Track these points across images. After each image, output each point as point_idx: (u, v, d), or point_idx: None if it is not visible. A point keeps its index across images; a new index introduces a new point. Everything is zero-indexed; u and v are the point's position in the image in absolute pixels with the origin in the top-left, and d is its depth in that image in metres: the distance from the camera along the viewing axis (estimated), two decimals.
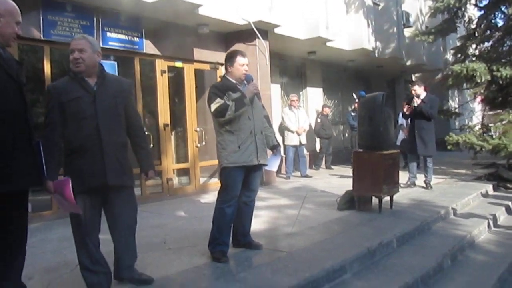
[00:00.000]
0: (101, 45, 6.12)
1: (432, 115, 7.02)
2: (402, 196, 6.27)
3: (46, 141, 2.60)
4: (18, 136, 2.25)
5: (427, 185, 7.18)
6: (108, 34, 6.58)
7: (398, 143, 10.34)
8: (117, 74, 6.31)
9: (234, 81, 3.79)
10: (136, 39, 6.97)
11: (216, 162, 3.89)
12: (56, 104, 2.76)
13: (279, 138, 9.42)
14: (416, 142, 7.03)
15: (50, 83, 2.92)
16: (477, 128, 10.16)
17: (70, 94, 2.77)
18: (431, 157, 7.18)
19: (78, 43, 2.83)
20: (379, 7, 12.55)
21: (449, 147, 9.23)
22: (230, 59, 3.81)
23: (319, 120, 10.67)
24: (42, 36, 5.80)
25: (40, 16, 5.77)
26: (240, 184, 3.72)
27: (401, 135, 10.50)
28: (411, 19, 13.87)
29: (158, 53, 7.27)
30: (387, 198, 5.57)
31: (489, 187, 7.56)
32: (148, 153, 3.19)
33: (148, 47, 7.12)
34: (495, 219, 5.82)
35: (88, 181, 2.76)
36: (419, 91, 7.11)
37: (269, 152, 3.97)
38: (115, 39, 6.67)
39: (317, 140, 11.00)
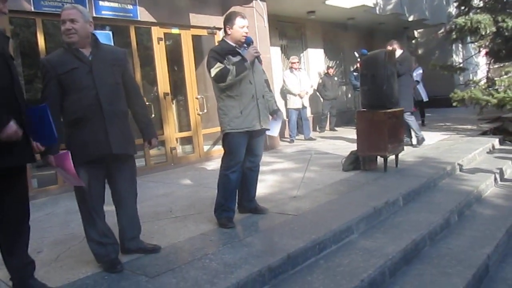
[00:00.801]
0: (94, 15, 6.08)
1: (398, 70, 6.75)
2: (408, 154, 6.24)
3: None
4: (5, 111, 2.18)
5: (419, 141, 7.14)
6: (101, 3, 6.40)
7: None
8: (112, 44, 6.18)
9: (234, 44, 3.67)
10: (130, 7, 6.78)
11: (218, 129, 3.83)
12: (52, 76, 2.71)
13: (281, 102, 9.35)
14: None
15: (44, 56, 2.83)
16: (482, 82, 9.98)
17: (66, 66, 2.72)
18: (407, 113, 6.90)
19: (69, 13, 2.75)
20: None
21: (454, 104, 9.10)
22: (229, 21, 3.68)
23: (320, 81, 10.60)
24: (32, 8, 5.65)
25: None
26: (243, 150, 3.68)
27: None
28: None
29: (153, 20, 7.09)
30: (392, 156, 5.53)
31: (495, 141, 7.49)
32: (149, 120, 3.16)
33: (143, 14, 6.94)
34: (501, 173, 5.78)
35: (93, 151, 2.75)
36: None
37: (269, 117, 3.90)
38: (108, 7, 6.49)
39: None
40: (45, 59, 2.83)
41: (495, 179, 5.53)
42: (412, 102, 7.11)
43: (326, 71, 10.89)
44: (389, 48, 7.13)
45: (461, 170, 5.80)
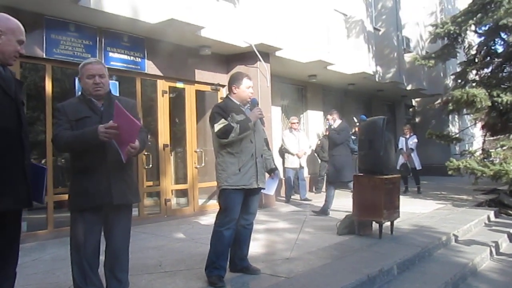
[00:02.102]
0: None
1: (335, 140, 7.17)
2: (403, 221, 6.19)
3: (63, 135, 2.73)
4: (10, 155, 2.20)
5: (322, 211, 7.18)
6: (111, 54, 6.62)
7: (398, 167, 10.36)
8: (118, 94, 6.32)
9: (238, 103, 3.77)
10: (138, 60, 7.01)
11: (215, 183, 3.84)
12: (65, 120, 2.81)
13: (279, 160, 9.41)
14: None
15: (60, 103, 2.94)
16: (478, 153, 10.11)
17: (78, 114, 2.83)
18: (350, 182, 6.81)
19: (99, 68, 2.89)
20: (380, 32, 12.69)
21: (450, 172, 9.17)
22: (236, 80, 3.80)
23: (319, 142, 10.74)
24: (44, 54, 5.84)
25: (43, 34, 5.82)
26: (239, 207, 3.66)
27: (401, 160, 10.53)
28: (411, 44, 14.04)
29: (159, 73, 7.31)
30: (388, 223, 5.50)
31: (490, 214, 7.47)
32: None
33: (150, 67, 7.16)
34: (497, 246, 5.72)
35: (94, 199, 2.77)
36: (331, 120, 7.39)
37: (266, 175, 3.92)
38: (117, 59, 6.71)
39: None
40: (60, 105, 2.93)
41: (491, 252, 5.46)
42: (351, 171, 7.00)
43: (324, 133, 11.05)
44: (329, 117, 7.37)
45: (456, 241, 5.74)
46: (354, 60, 10.79)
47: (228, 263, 3.76)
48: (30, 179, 2.33)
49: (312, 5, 9.43)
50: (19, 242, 2.38)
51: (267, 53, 8.26)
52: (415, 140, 10.58)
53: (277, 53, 8.47)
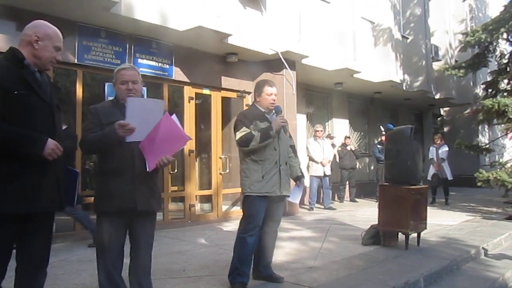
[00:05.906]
0: None
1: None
2: (430, 233, 6.06)
3: (90, 137, 2.78)
4: (45, 158, 2.26)
5: None
6: (140, 60, 6.75)
7: (429, 178, 10.17)
8: None
9: (263, 110, 3.79)
10: (166, 66, 7.12)
11: (239, 189, 3.85)
12: (96, 123, 2.84)
13: (303, 169, 9.35)
14: None
15: (92, 105, 2.99)
16: (508, 165, 9.81)
17: (110, 117, 2.84)
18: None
19: (132, 74, 2.91)
20: (408, 40, 12.54)
21: (479, 184, 8.93)
22: (258, 88, 3.83)
23: (340, 149, 10.61)
24: (76, 60, 6.00)
25: (76, 41, 5.98)
26: (262, 214, 3.66)
27: (432, 170, 10.32)
28: (440, 53, 13.81)
29: (186, 80, 7.40)
30: (414, 234, 5.38)
31: None
32: None
33: (177, 74, 7.26)
34: None
35: (118, 203, 2.79)
36: None
37: (292, 182, 3.91)
38: (146, 65, 6.83)
39: None
40: (93, 107, 2.98)
41: None
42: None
43: (343, 142, 10.85)
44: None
45: (486, 254, 5.57)
46: (381, 68, 10.68)
47: (251, 270, 3.75)
48: (63, 183, 2.38)
49: (339, 13, 9.41)
50: (51, 244, 2.44)
51: (293, 60, 8.26)
52: (446, 149, 10.34)
53: (303, 61, 8.46)
